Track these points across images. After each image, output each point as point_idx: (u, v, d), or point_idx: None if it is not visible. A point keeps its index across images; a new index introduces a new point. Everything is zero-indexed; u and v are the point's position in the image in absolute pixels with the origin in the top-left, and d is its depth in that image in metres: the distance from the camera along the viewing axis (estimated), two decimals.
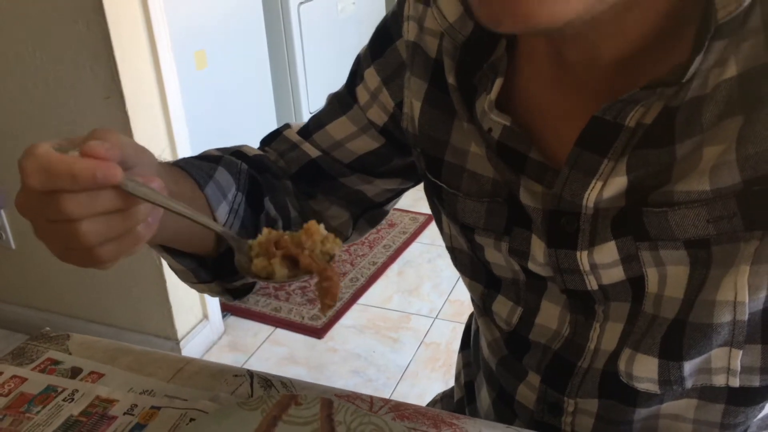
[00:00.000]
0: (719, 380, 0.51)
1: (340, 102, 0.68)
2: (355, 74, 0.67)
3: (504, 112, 0.52)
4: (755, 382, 0.50)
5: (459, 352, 0.83)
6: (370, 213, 0.73)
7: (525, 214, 0.54)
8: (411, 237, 2.61)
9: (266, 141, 0.72)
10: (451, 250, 0.65)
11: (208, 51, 2.17)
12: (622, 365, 0.53)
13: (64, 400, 0.60)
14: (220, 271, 0.61)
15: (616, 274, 0.51)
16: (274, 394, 0.60)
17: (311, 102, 2.67)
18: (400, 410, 0.60)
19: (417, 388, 1.85)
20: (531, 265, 0.55)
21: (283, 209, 0.65)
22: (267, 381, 0.63)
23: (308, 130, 0.69)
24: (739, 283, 0.45)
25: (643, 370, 0.52)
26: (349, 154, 0.67)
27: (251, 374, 0.64)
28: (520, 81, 0.54)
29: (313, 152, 0.68)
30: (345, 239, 0.73)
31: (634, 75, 0.46)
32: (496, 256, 0.58)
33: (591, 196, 0.48)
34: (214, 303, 2.04)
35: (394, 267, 2.43)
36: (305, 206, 0.70)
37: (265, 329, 2.12)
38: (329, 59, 2.75)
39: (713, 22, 0.40)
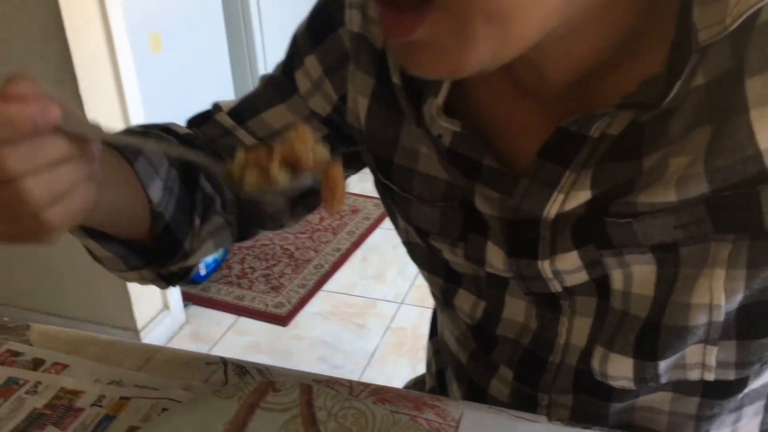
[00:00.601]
0: (694, 375, 0.50)
1: (278, 88, 0.61)
2: (293, 57, 0.60)
3: (454, 116, 0.48)
4: (730, 375, 0.50)
5: (428, 340, 0.80)
6: (309, 199, 0.67)
7: (481, 220, 0.51)
8: (375, 223, 2.59)
9: (195, 123, 0.65)
10: (408, 244, 0.62)
11: (163, 34, 2.11)
12: (596, 364, 0.51)
13: (26, 392, 0.57)
14: (153, 256, 0.55)
15: (580, 278, 0.49)
16: (250, 381, 0.58)
17: None
18: (381, 394, 0.58)
19: (384, 373, 1.84)
20: (490, 269, 0.53)
21: (218, 188, 0.61)
22: (242, 368, 0.61)
23: (241, 115, 0.63)
24: (714, 286, 0.44)
25: (618, 370, 0.50)
26: None
27: (225, 362, 0.62)
28: (471, 85, 0.50)
29: (248, 139, 0.62)
30: (281, 226, 0.69)
31: (595, 88, 0.44)
32: (454, 256, 0.56)
33: (552, 209, 0.46)
34: (174, 292, 2.00)
35: (359, 253, 2.42)
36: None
37: (228, 318, 2.08)
38: (288, 38, 2.71)
39: (694, 44, 0.37)
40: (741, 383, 0.50)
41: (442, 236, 0.55)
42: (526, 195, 0.47)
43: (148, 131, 0.58)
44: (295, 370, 0.61)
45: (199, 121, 0.64)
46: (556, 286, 0.50)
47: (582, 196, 0.45)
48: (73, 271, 1.84)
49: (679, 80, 0.38)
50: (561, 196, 0.45)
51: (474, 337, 0.61)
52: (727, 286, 0.44)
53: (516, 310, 0.55)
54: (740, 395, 0.52)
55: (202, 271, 2.21)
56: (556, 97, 0.46)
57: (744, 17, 0.36)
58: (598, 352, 0.51)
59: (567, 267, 0.48)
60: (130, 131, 0.57)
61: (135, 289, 1.83)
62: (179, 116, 2.13)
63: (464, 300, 0.59)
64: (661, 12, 0.40)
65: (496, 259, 0.52)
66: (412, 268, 2.60)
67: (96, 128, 0.38)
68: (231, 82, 2.47)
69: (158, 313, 1.94)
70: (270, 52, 2.58)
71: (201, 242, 0.59)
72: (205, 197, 0.59)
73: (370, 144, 0.57)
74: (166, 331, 1.97)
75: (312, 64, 0.58)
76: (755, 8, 0.36)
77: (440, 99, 0.49)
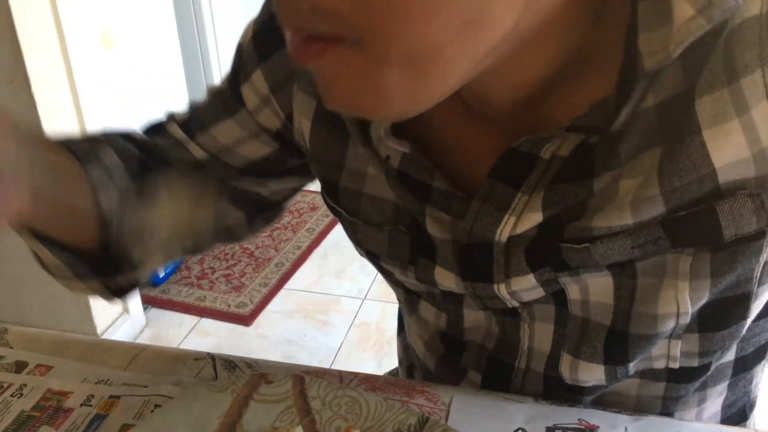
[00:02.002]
0: (659, 364, 0.51)
1: (225, 103, 0.59)
2: (238, 71, 0.58)
3: (403, 136, 0.47)
4: (694, 363, 0.51)
5: (397, 336, 0.80)
6: (267, 212, 0.67)
7: (429, 244, 0.51)
8: (334, 220, 2.59)
9: (149, 131, 0.63)
10: (364, 256, 0.61)
11: (114, 31, 2.06)
12: (565, 372, 0.52)
13: (12, 395, 0.56)
14: (101, 265, 0.54)
15: (536, 294, 0.49)
16: (240, 375, 0.59)
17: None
18: (371, 382, 0.59)
19: (350, 369, 1.85)
20: (444, 289, 0.53)
21: None
22: (230, 363, 0.61)
23: (192, 128, 0.61)
24: (680, 297, 0.44)
25: (589, 375, 0.51)
26: (240, 158, 0.61)
27: (213, 357, 0.62)
28: None
29: (200, 154, 0.61)
30: (237, 240, 0.68)
31: (546, 108, 0.43)
32: (406, 278, 0.56)
33: (504, 232, 0.45)
34: (134, 296, 1.96)
35: (319, 250, 2.41)
36: None
37: (190, 320, 2.06)
38: (241, 31, 2.68)
39: (640, 71, 0.37)
40: (704, 368, 0.52)
41: (392, 259, 0.54)
42: (477, 218, 0.46)
43: (109, 138, 0.56)
44: (284, 363, 0.62)
45: (153, 130, 0.63)
46: (513, 303, 0.50)
47: (534, 218, 0.44)
48: (28, 275, 1.79)
49: (627, 105, 0.38)
50: (513, 219, 0.45)
51: (443, 341, 0.61)
52: (692, 295, 0.44)
53: (476, 318, 0.55)
54: (705, 377, 0.54)
55: (161, 273, 2.18)
56: (506, 117, 0.45)
57: (686, 44, 0.36)
58: (566, 360, 0.51)
59: (523, 287, 0.48)
60: (85, 138, 0.56)
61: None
62: (132, 114, 2.11)
63: (427, 310, 0.59)
64: (609, 33, 0.39)
65: (447, 281, 0.51)
66: None
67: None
68: (183, 77, 2.43)
69: (118, 317, 1.91)
70: (222, 46, 2.56)
71: (150, 254, 0.57)
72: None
73: (316, 165, 0.56)
74: (126, 335, 1.93)
75: (259, 79, 0.56)
76: (696, 35, 0.35)
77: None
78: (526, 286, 0.48)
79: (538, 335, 0.52)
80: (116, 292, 0.58)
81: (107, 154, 0.53)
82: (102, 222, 0.51)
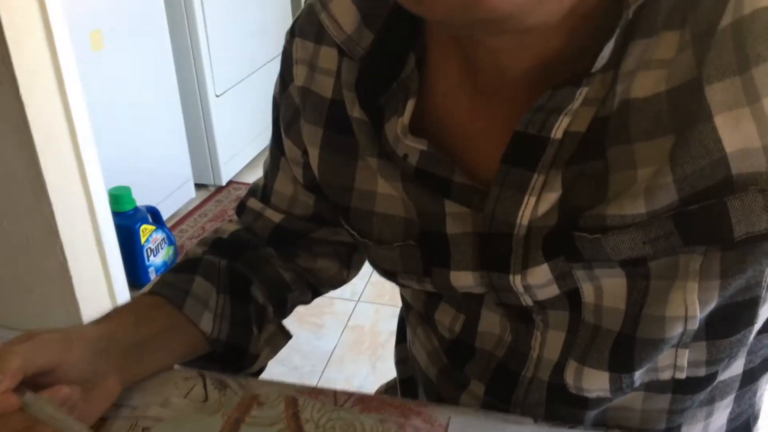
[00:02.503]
0: (666, 375, 0.51)
1: (272, 155, 0.64)
2: (276, 120, 0.62)
3: (419, 135, 0.48)
4: (701, 372, 0.50)
5: (396, 346, 0.81)
6: (357, 253, 0.70)
7: (441, 252, 0.51)
8: None
9: (238, 212, 0.70)
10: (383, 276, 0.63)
11: (104, 30, 2.04)
12: (569, 379, 0.51)
13: None
14: (217, 362, 0.62)
15: (550, 291, 0.49)
16: (231, 396, 0.57)
17: (216, 81, 2.58)
18: (365, 402, 0.58)
19: (344, 372, 1.84)
20: (461, 291, 0.54)
21: (273, 284, 0.66)
22: (221, 382, 0.59)
23: (265, 193, 0.67)
24: (689, 299, 0.44)
25: (593, 383, 0.50)
26: (306, 208, 0.64)
27: (203, 375, 0.60)
28: (434, 100, 0.50)
29: (276, 216, 0.66)
30: (343, 283, 0.72)
31: (555, 80, 0.43)
32: (425, 288, 0.57)
33: (525, 213, 0.46)
34: (124, 297, 1.94)
35: None
36: (294, 266, 0.68)
37: None
38: (233, 35, 2.66)
39: (624, 8, 0.38)
40: (711, 377, 0.52)
41: (407, 274, 0.55)
42: (498, 202, 0.46)
43: (196, 265, 0.62)
44: (276, 381, 0.60)
45: (239, 210, 0.69)
46: (527, 300, 0.50)
47: (553, 197, 0.45)
48: (16, 278, 1.77)
49: (610, 42, 0.39)
50: (533, 199, 0.45)
51: (447, 352, 0.61)
52: (701, 297, 0.44)
53: (491, 322, 0.55)
54: (710, 388, 0.53)
55: (152, 275, 2.16)
56: (509, 94, 0.45)
57: None
58: (572, 366, 0.51)
59: (538, 281, 0.48)
60: (179, 267, 0.63)
61: (82, 296, 1.77)
62: (121, 115, 2.07)
63: (445, 314, 0.59)
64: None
65: (464, 281, 0.52)
66: (366, 266, 2.57)
67: (55, 414, 0.45)
68: (174, 77, 2.41)
69: None
70: (214, 47, 2.53)
71: (260, 349, 0.65)
72: (257, 309, 0.64)
73: (327, 191, 0.58)
74: None
75: (283, 120, 0.60)
76: None
77: (406, 118, 0.48)
78: (541, 280, 0.48)
79: (549, 343, 0.52)
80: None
81: (196, 283, 0.60)
82: (209, 342, 0.60)
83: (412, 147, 0.48)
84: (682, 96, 0.39)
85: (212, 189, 2.77)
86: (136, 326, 0.56)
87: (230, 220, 0.72)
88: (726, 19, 0.38)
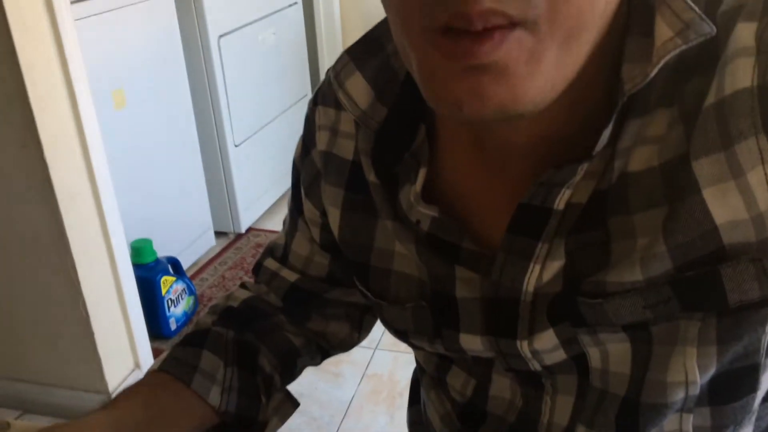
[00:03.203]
0: None
1: (291, 216, 0.66)
2: (296, 183, 0.65)
3: (431, 202, 0.50)
4: None
5: (408, 408, 0.81)
6: (368, 314, 0.71)
7: (451, 315, 0.53)
8: None
9: (254, 271, 0.72)
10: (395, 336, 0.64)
11: (126, 89, 2.10)
12: None
13: None
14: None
15: (558, 356, 0.50)
16: None
17: (236, 135, 2.63)
18: None
19: (362, 422, 1.83)
20: (471, 354, 0.55)
21: (282, 351, 0.67)
22: None
23: (284, 253, 0.68)
24: (688, 364, 0.45)
25: None
26: (321, 268, 0.66)
27: None
28: (444, 168, 0.52)
29: (291, 276, 0.67)
30: (353, 346, 0.73)
31: (558, 157, 0.45)
32: (435, 350, 0.58)
33: (531, 280, 0.47)
34: (145, 350, 1.96)
35: None
36: (305, 331, 0.69)
37: None
38: (252, 91, 2.72)
39: (621, 95, 0.40)
40: None
41: (419, 335, 0.56)
42: (504, 269, 0.48)
43: (204, 338, 0.63)
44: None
45: (256, 269, 0.71)
46: (535, 365, 0.51)
47: (557, 265, 0.46)
48: (38, 333, 1.80)
49: (608, 127, 0.41)
50: (537, 267, 0.47)
51: (459, 415, 0.62)
52: (700, 362, 0.45)
53: (502, 387, 0.56)
54: None
55: (173, 326, 2.18)
56: (515, 166, 0.47)
57: (661, 64, 0.39)
58: (579, 430, 0.52)
59: (544, 346, 0.49)
60: (187, 340, 0.64)
61: (104, 350, 1.80)
62: (143, 168, 2.11)
63: (456, 378, 0.60)
64: (597, 77, 0.42)
65: (473, 344, 0.53)
66: None
67: None
68: (195, 129, 2.47)
69: (129, 374, 1.90)
70: (233, 98, 2.59)
71: (269, 417, 0.65)
72: (265, 379, 0.65)
73: (346, 250, 0.59)
74: None
75: (304, 183, 0.62)
76: (671, 54, 0.39)
77: (418, 186, 0.50)
78: (548, 345, 0.49)
79: (559, 408, 0.53)
80: None
81: (204, 357, 0.61)
82: (219, 414, 0.60)
83: (424, 213, 0.50)
84: (673, 170, 0.41)
85: (232, 236, 2.81)
86: (144, 408, 0.57)
87: (242, 284, 0.73)
88: (710, 99, 0.40)
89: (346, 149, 0.57)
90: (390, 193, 0.53)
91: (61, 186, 1.60)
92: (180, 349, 0.64)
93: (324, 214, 0.61)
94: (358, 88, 0.53)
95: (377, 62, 0.53)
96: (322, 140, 0.59)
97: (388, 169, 0.53)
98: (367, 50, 0.54)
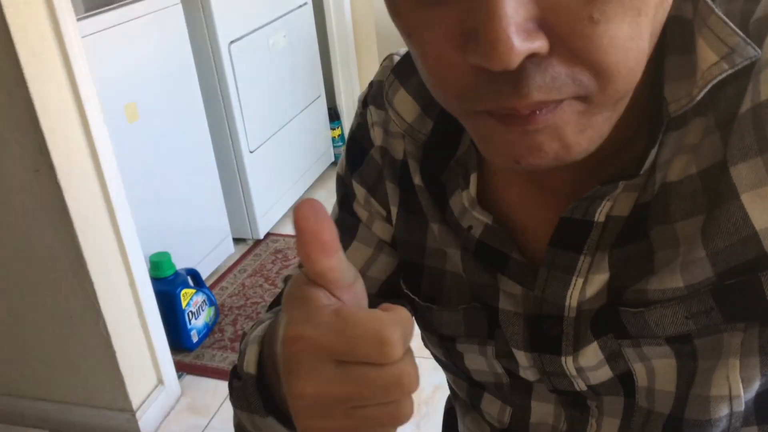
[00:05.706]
0: None
1: (344, 227, 0.62)
2: (346, 194, 0.62)
3: (483, 209, 0.51)
4: None
5: None
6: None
7: (504, 319, 0.52)
8: None
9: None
10: (428, 348, 0.63)
11: (138, 102, 2.09)
12: None
13: None
14: None
15: (603, 374, 0.49)
16: None
17: (250, 141, 2.62)
18: None
19: None
20: (518, 368, 0.53)
21: None
22: None
23: None
24: (731, 377, 0.45)
25: None
26: (373, 281, 0.62)
27: None
28: (490, 177, 0.52)
29: None
30: None
31: (599, 170, 0.46)
32: (478, 362, 0.56)
33: (574, 295, 0.47)
34: (168, 365, 1.96)
35: None
36: None
37: (225, 386, 2.04)
38: (265, 96, 2.70)
39: (665, 115, 0.41)
40: None
41: (469, 338, 0.55)
42: (547, 284, 0.48)
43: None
44: None
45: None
46: (580, 385, 0.51)
47: (601, 279, 0.46)
48: (61, 352, 1.80)
49: (654, 147, 0.42)
50: (580, 281, 0.47)
51: None
52: (743, 374, 0.44)
53: (544, 413, 0.55)
54: None
55: (195, 338, 2.18)
56: (560, 179, 0.48)
57: (708, 87, 0.40)
58: None
59: (589, 362, 0.49)
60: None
61: (127, 367, 1.80)
62: (158, 180, 2.10)
63: (491, 404, 0.59)
64: (638, 99, 0.42)
65: (521, 354, 0.52)
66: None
67: None
68: (209, 138, 2.46)
69: (153, 390, 1.90)
70: (245, 104, 2.57)
71: None
72: None
73: (401, 248, 0.59)
74: (161, 407, 1.93)
75: (358, 189, 0.61)
76: (717, 78, 0.39)
77: (472, 190, 0.51)
78: (593, 361, 0.49)
79: (605, 430, 0.52)
80: None
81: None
82: None
83: (479, 219, 0.51)
84: (711, 177, 0.42)
85: (250, 243, 2.80)
86: None
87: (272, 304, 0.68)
88: (746, 105, 0.40)
89: (396, 149, 0.57)
90: (435, 199, 0.54)
91: (77, 208, 1.59)
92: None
93: (389, 212, 0.60)
94: (404, 103, 0.55)
95: (420, 77, 0.53)
96: (377, 137, 0.59)
97: (434, 178, 0.54)
98: (410, 66, 0.55)
